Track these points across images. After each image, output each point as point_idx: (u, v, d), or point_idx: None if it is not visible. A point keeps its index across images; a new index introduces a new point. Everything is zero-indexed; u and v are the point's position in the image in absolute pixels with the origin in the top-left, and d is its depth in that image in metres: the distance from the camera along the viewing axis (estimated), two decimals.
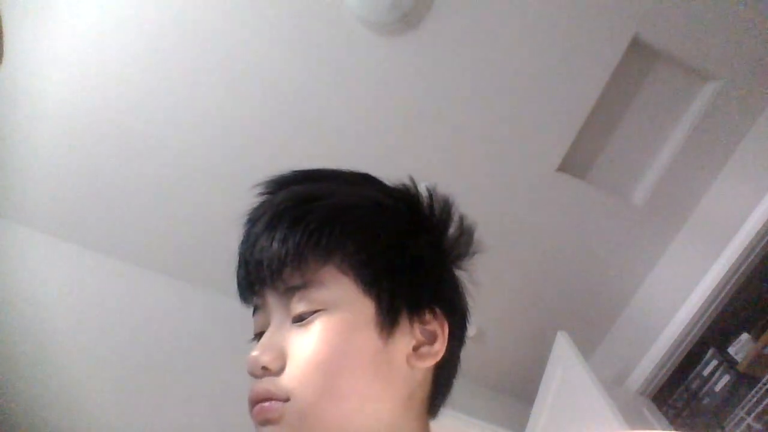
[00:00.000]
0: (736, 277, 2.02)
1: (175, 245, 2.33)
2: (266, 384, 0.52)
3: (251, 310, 0.60)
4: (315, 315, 0.52)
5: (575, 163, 2.28)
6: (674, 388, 2.22)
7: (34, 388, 1.85)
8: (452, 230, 0.61)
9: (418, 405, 0.58)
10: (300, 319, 0.53)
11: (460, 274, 0.63)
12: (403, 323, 0.55)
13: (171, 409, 1.98)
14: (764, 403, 1.80)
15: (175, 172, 2.24)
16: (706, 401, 2.05)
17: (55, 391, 1.88)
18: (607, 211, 2.33)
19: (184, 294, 2.32)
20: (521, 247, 2.38)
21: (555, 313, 2.46)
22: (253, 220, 0.57)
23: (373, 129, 2.21)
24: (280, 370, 0.52)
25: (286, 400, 0.50)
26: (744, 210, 2.02)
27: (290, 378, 0.51)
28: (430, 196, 0.61)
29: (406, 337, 0.55)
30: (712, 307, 2.08)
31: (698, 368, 2.16)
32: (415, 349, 0.56)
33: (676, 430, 2.03)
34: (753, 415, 1.81)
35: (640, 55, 2.13)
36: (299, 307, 0.53)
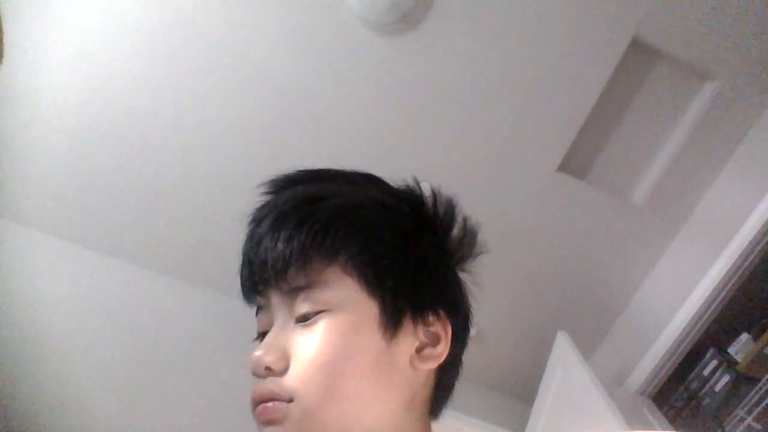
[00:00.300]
0: (736, 277, 2.02)
1: (175, 245, 2.33)
2: (269, 384, 0.51)
3: (254, 309, 0.59)
4: (319, 315, 0.52)
5: (575, 163, 2.28)
6: (674, 388, 2.22)
7: (34, 388, 1.85)
8: (456, 231, 0.61)
9: (421, 406, 0.58)
10: (304, 319, 0.53)
11: (463, 275, 0.63)
12: (407, 325, 0.55)
13: (171, 409, 1.98)
14: (764, 403, 1.80)
15: (175, 171, 2.24)
16: (706, 401, 2.05)
17: (55, 391, 1.88)
18: (607, 211, 2.33)
19: (184, 294, 2.32)
20: (521, 247, 2.38)
21: (555, 313, 2.46)
22: (257, 219, 0.57)
23: (374, 129, 2.21)
24: (284, 371, 0.52)
25: (290, 400, 0.50)
26: (744, 210, 2.02)
27: (294, 378, 0.51)
28: (434, 196, 0.61)
29: (409, 339, 0.55)
30: (712, 307, 2.08)
31: (698, 368, 2.16)
32: (418, 350, 0.56)
33: (676, 430, 2.03)
34: (753, 415, 1.81)
35: (640, 55, 2.13)
36: (303, 307, 0.53)
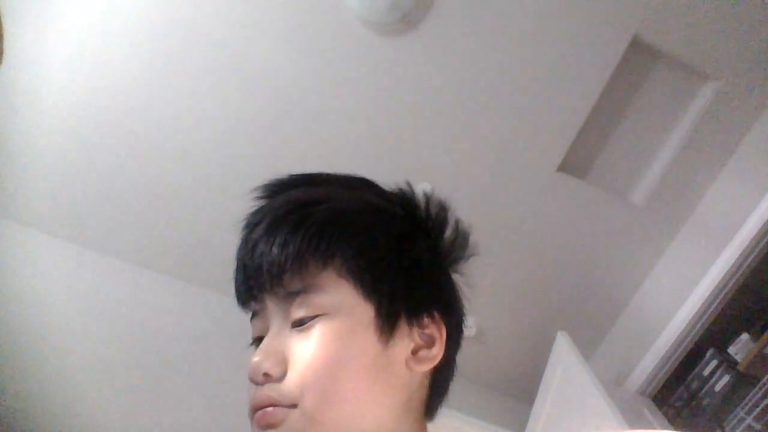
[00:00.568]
0: (735, 277, 2.02)
1: (174, 245, 2.33)
2: (268, 391, 0.51)
3: (249, 314, 0.59)
4: (315, 320, 0.52)
5: (575, 163, 2.28)
6: (674, 388, 2.22)
7: (34, 388, 1.85)
8: (448, 234, 0.61)
9: (417, 407, 0.58)
10: (300, 324, 0.53)
11: (456, 277, 0.63)
12: (402, 327, 0.55)
13: (171, 409, 1.98)
14: (764, 403, 1.80)
15: (175, 171, 2.24)
16: (706, 401, 2.05)
17: (55, 391, 1.88)
18: (607, 211, 2.33)
19: (184, 294, 2.32)
20: (521, 247, 2.38)
21: (555, 313, 2.46)
22: (251, 225, 0.57)
23: (374, 129, 2.21)
24: (282, 376, 0.52)
25: (291, 406, 0.50)
26: (744, 210, 2.02)
27: (293, 384, 0.51)
28: (427, 200, 0.61)
29: (405, 341, 0.55)
30: (712, 307, 2.08)
31: (698, 368, 2.16)
32: (414, 352, 0.56)
33: (676, 430, 2.03)
34: (753, 415, 1.81)
35: (640, 55, 2.13)
36: (299, 312, 0.53)
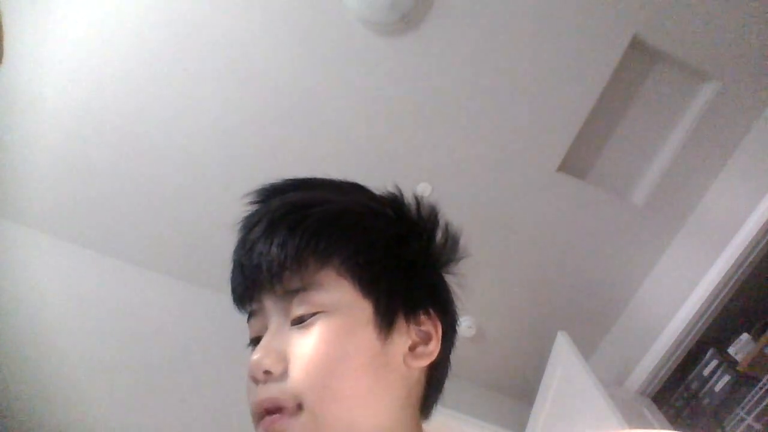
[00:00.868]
0: (735, 277, 2.02)
1: (174, 245, 2.33)
2: (270, 391, 0.52)
3: (246, 314, 0.60)
4: (315, 317, 0.53)
5: (575, 163, 2.28)
6: (674, 388, 2.22)
7: (34, 389, 1.85)
8: (439, 237, 0.62)
9: (413, 405, 0.59)
10: (300, 321, 0.53)
11: (449, 278, 0.64)
12: (400, 324, 0.56)
13: (171, 409, 1.98)
14: (764, 403, 1.80)
15: (175, 171, 2.24)
16: (706, 401, 2.05)
17: (55, 392, 1.88)
18: (607, 211, 2.33)
19: (184, 294, 2.32)
20: (521, 247, 2.38)
21: (555, 313, 2.46)
22: (249, 226, 0.58)
23: (374, 129, 2.21)
24: (283, 374, 0.52)
25: (296, 406, 0.51)
26: (744, 210, 2.02)
27: (295, 381, 0.51)
28: (417, 203, 0.63)
29: (402, 338, 0.57)
30: (712, 307, 2.08)
31: (698, 368, 2.16)
32: (411, 349, 0.57)
33: (676, 430, 2.03)
34: (753, 415, 1.81)
35: (640, 55, 2.13)
36: (299, 309, 0.53)
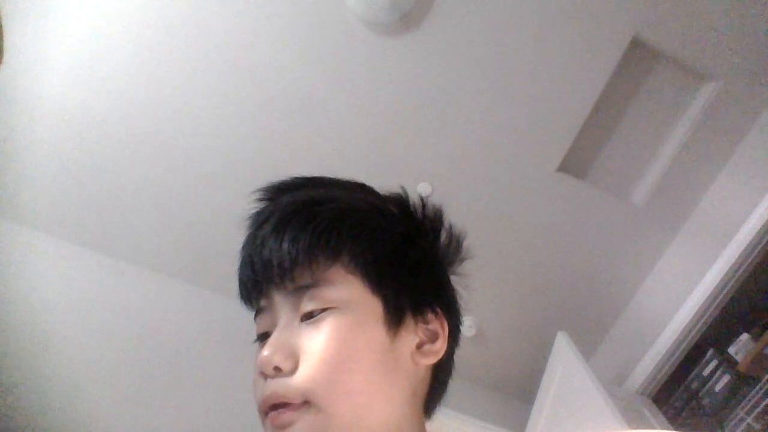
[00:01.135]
0: (736, 277, 2.02)
1: (175, 245, 2.33)
2: (278, 387, 0.52)
3: (252, 312, 0.60)
4: (325, 313, 0.53)
5: (575, 163, 2.28)
6: (674, 388, 2.22)
7: (34, 389, 1.85)
8: (443, 237, 0.63)
9: (419, 403, 0.60)
10: (309, 317, 0.54)
11: (453, 279, 0.65)
12: (408, 322, 0.57)
13: (171, 409, 1.98)
14: (764, 403, 1.80)
15: (175, 173, 2.24)
16: (706, 401, 2.05)
17: (55, 392, 1.88)
18: (607, 211, 2.33)
19: (184, 294, 2.32)
20: (521, 247, 2.38)
21: (555, 313, 2.46)
22: (258, 222, 0.58)
23: (374, 129, 2.21)
24: (292, 370, 0.52)
25: (302, 402, 0.51)
26: (744, 210, 2.02)
27: (304, 378, 0.51)
28: (423, 205, 0.63)
29: (410, 335, 0.57)
30: (712, 307, 2.08)
31: (698, 368, 2.16)
32: (419, 346, 0.58)
33: (676, 430, 2.03)
34: (753, 415, 1.81)
35: (640, 55, 2.13)
36: (309, 305, 0.54)
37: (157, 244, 2.33)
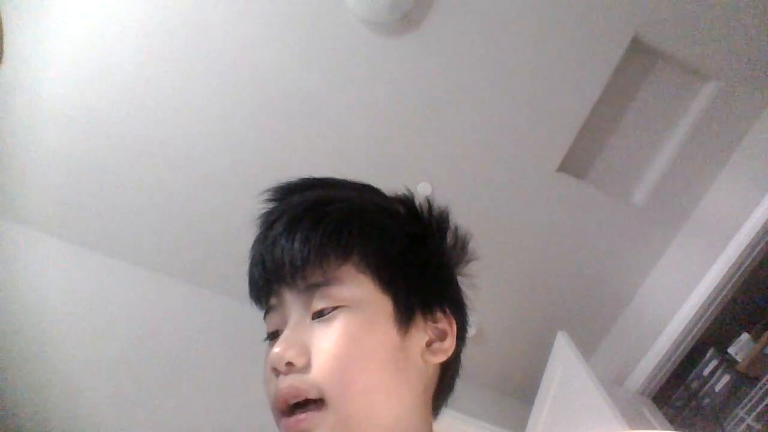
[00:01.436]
0: (735, 277, 2.02)
1: (175, 245, 2.33)
2: (293, 381, 0.52)
3: (263, 311, 0.61)
4: (336, 311, 0.54)
5: (575, 163, 2.28)
6: (674, 388, 2.22)
7: (34, 389, 1.85)
8: (449, 239, 0.64)
9: (428, 402, 0.60)
10: (320, 315, 0.54)
11: (460, 279, 0.66)
12: (418, 320, 0.58)
13: (170, 409, 1.98)
14: (764, 403, 1.80)
15: (176, 173, 2.24)
16: (706, 401, 2.05)
17: (55, 392, 1.88)
18: (607, 211, 2.33)
19: (184, 294, 2.32)
20: (521, 247, 2.38)
21: (555, 313, 2.46)
22: (269, 222, 0.59)
23: (374, 129, 2.21)
24: (305, 366, 0.53)
25: (318, 397, 0.51)
26: (744, 210, 2.02)
27: (317, 373, 0.52)
28: (429, 206, 0.64)
29: (420, 334, 0.58)
30: (712, 307, 2.08)
31: (698, 368, 2.16)
32: (428, 345, 0.59)
33: (676, 430, 2.03)
34: (753, 415, 1.81)
35: (640, 55, 2.13)
36: (320, 303, 0.54)
37: (157, 244, 2.33)
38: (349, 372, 0.52)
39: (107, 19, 2.05)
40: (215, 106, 2.16)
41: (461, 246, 0.64)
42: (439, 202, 0.65)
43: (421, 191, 2.22)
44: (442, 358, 0.59)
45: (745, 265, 2.00)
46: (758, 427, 1.78)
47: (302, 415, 0.51)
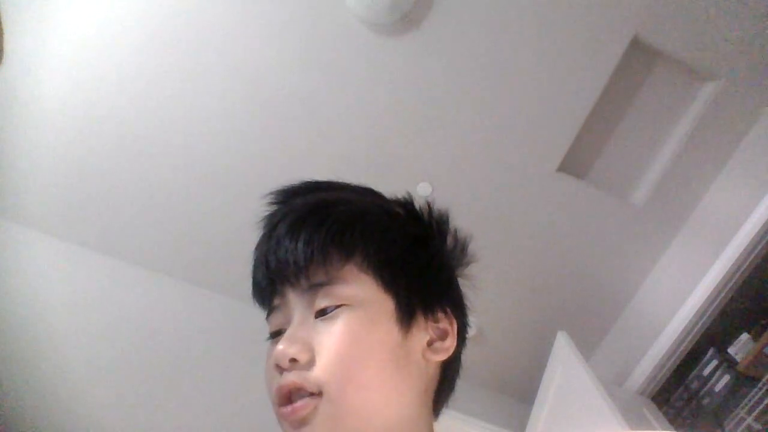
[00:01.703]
0: (735, 277, 2.02)
1: (174, 245, 2.33)
2: (294, 377, 0.53)
3: (266, 311, 0.62)
4: (339, 309, 0.55)
5: (575, 163, 2.28)
6: (674, 388, 2.22)
7: (35, 389, 1.85)
8: (449, 241, 0.65)
9: (429, 401, 0.61)
10: (323, 313, 0.55)
11: (460, 280, 0.67)
12: (419, 320, 0.59)
13: (170, 409, 1.98)
14: (764, 403, 1.80)
15: (175, 173, 2.24)
16: (706, 401, 2.05)
17: (55, 392, 1.88)
18: (607, 211, 2.33)
19: (184, 294, 2.32)
20: (521, 247, 2.38)
21: (555, 313, 2.46)
22: (272, 224, 0.60)
23: (374, 129, 2.21)
24: (308, 363, 0.54)
25: (318, 393, 0.52)
26: (744, 210, 2.02)
27: (320, 370, 0.53)
28: (429, 209, 0.65)
29: (421, 333, 0.59)
30: (712, 307, 2.08)
31: (698, 368, 2.16)
32: (429, 344, 0.60)
33: (676, 430, 2.03)
34: (753, 415, 1.81)
35: (640, 55, 2.13)
36: (323, 302, 0.56)
37: (157, 244, 2.33)
38: (352, 368, 0.53)
39: (107, 20, 2.05)
40: (215, 105, 2.16)
41: (461, 248, 0.65)
42: (439, 204, 0.66)
43: (421, 191, 2.23)
44: (443, 356, 0.60)
45: (745, 265, 2.00)
46: (758, 427, 1.78)
47: (299, 403, 0.52)
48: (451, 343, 0.60)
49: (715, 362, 2.09)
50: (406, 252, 0.60)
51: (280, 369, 0.54)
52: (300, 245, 0.55)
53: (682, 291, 2.16)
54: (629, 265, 2.42)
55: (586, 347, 2.32)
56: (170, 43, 2.08)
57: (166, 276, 2.33)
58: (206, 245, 2.29)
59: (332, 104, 2.17)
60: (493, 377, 2.53)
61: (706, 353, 2.15)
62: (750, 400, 1.85)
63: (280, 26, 2.06)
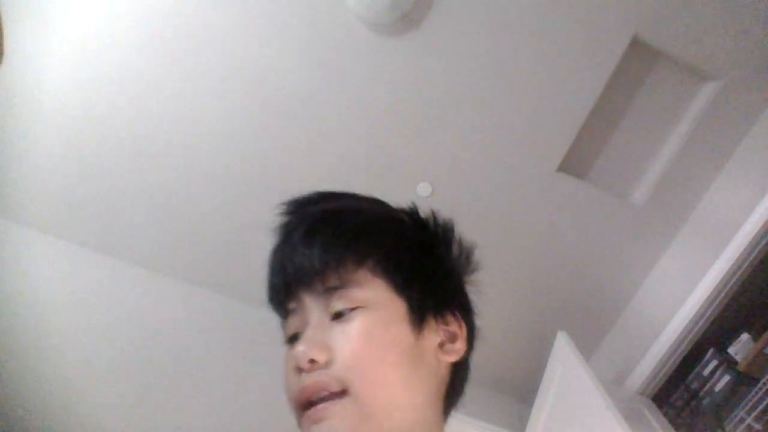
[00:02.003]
0: (736, 277, 2.02)
1: (174, 245, 2.33)
2: (317, 376, 0.55)
3: (281, 316, 0.64)
4: (354, 312, 0.57)
5: (575, 163, 2.28)
6: (674, 388, 2.22)
7: (35, 389, 1.85)
8: (454, 249, 0.68)
9: (440, 402, 0.63)
10: (339, 316, 0.58)
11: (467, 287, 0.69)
12: (430, 322, 0.61)
13: (170, 409, 1.98)
14: (764, 403, 1.80)
15: (175, 173, 2.24)
16: (706, 401, 2.05)
17: (55, 392, 1.88)
18: (607, 211, 2.33)
19: (184, 294, 2.32)
20: (521, 247, 2.38)
21: (555, 313, 2.46)
22: (288, 231, 0.63)
23: (374, 129, 2.21)
24: (328, 363, 0.55)
25: (342, 390, 0.54)
26: (744, 210, 2.02)
27: (341, 367, 0.55)
28: (434, 218, 0.68)
29: (432, 335, 0.61)
30: (712, 307, 2.08)
31: (698, 368, 2.16)
32: (440, 345, 0.62)
33: (676, 430, 2.03)
34: (753, 415, 1.81)
35: (640, 55, 2.13)
36: (338, 305, 0.58)
37: (157, 244, 2.33)
38: (370, 366, 0.55)
39: (107, 20, 2.05)
40: (215, 105, 2.16)
41: (466, 256, 0.68)
42: (440, 205, 0.68)
43: (421, 191, 2.22)
44: (454, 357, 0.62)
45: (745, 265, 2.00)
46: (758, 427, 1.78)
47: (321, 405, 0.54)
48: (461, 346, 0.63)
49: (715, 362, 2.09)
50: (415, 258, 0.62)
51: (300, 370, 0.56)
52: (316, 251, 0.58)
53: (682, 291, 2.16)
54: (629, 265, 2.42)
55: (586, 347, 2.32)
56: (170, 43, 2.08)
57: (166, 276, 2.33)
58: (206, 245, 2.29)
59: (332, 104, 2.17)
60: (493, 377, 2.53)
61: (706, 353, 2.15)
62: (750, 400, 1.85)
63: (280, 26, 2.06)
